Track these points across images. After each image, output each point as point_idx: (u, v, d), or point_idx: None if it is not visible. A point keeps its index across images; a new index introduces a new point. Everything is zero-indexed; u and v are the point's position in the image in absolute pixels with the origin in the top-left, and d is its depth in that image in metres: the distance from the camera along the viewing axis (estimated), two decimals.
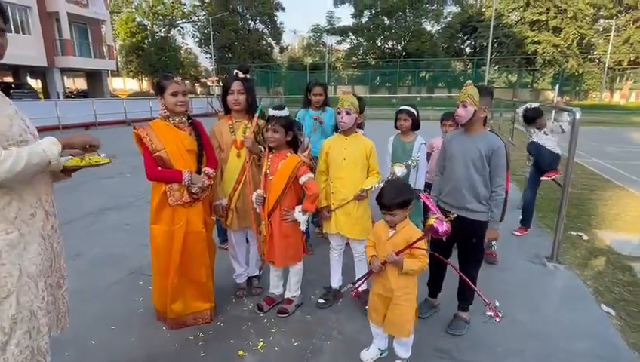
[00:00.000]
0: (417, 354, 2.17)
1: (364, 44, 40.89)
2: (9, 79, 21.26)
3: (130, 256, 3.53)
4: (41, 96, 20.31)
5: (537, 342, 2.34)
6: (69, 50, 20.60)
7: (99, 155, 1.59)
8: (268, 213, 2.49)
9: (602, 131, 13.68)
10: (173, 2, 40.65)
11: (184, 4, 41.34)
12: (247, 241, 2.94)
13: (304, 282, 2.78)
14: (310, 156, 2.67)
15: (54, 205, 1.52)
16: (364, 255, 2.43)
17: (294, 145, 2.56)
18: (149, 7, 39.83)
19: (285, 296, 2.71)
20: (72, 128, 13.29)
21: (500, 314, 1.98)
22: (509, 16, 34.98)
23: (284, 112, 2.45)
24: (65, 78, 24.58)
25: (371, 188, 2.48)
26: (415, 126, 3.14)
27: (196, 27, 41.76)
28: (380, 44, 40.58)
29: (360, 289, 2.45)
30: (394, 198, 1.92)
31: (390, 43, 40.39)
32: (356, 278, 2.53)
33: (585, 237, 4.05)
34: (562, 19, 32.06)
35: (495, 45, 32.45)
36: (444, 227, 1.78)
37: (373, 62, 39.69)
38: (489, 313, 1.99)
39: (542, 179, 4.16)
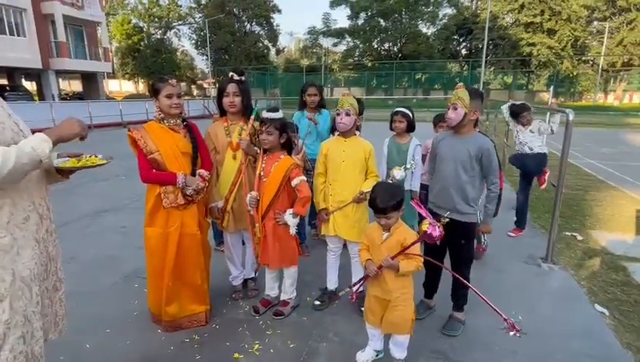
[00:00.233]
0: (413, 355, 2.18)
1: (361, 46, 40.98)
2: (4, 81, 21.15)
3: (125, 258, 3.52)
4: (35, 98, 20.21)
5: (532, 342, 2.35)
6: (64, 52, 20.48)
7: (96, 156, 1.58)
8: (261, 215, 2.49)
9: (596, 132, 13.80)
10: (169, 4, 40.63)
11: (180, 7, 41.38)
12: (244, 243, 2.93)
13: (300, 283, 2.78)
14: (304, 158, 2.67)
15: (49, 208, 1.49)
16: None
17: (288, 147, 2.57)
18: (144, 10, 39.79)
19: (281, 298, 2.71)
20: None
21: (519, 329, 1.76)
22: (504, 18, 35.16)
23: (278, 114, 2.45)
24: (60, 80, 24.49)
25: (370, 190, 2.48)
26: (410, 128, 3.17)
27: (192, 29, 41.82)
28: (376, 45, 40.70)
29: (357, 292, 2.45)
30: (389, 201, 1.92)
31: (386, 45, 40.52)
32: (353, 281, 2.53)
33: (579, 238, 4.08)
34: (556, 21, 32.26)
35: (490, 47, 32.57)
36: (437, 232, 1.79)
37: (369, 64, 39.74)
38: (505, 327, 1.77)
39: (541, 187, 4.34)
